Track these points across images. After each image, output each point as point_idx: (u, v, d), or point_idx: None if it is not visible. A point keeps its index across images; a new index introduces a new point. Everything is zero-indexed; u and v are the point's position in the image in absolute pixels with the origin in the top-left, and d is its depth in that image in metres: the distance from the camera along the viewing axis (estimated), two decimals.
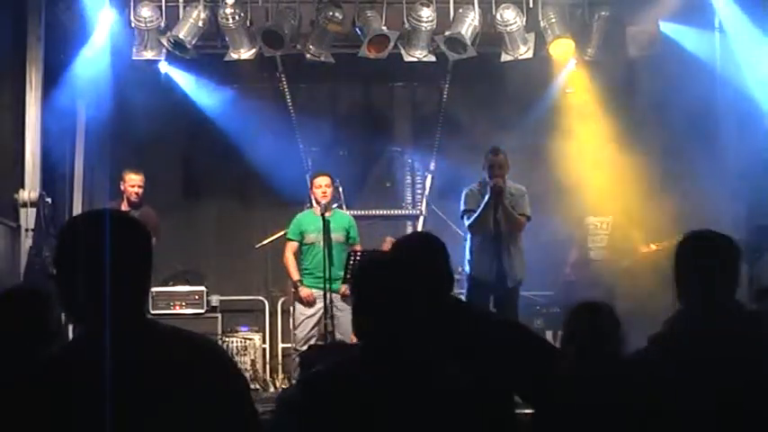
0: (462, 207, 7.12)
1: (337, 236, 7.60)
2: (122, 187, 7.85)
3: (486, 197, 6.85)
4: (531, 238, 7.63)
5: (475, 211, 6.95)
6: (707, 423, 2.66)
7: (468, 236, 7.11)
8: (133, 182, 7.68)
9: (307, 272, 7.69)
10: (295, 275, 7.77)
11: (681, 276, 2.88)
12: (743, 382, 2.65)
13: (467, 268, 7.07)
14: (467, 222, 7.09)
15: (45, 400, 1.97)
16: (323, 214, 7.45)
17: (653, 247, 7.71)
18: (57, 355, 2.12)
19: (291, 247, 7.86)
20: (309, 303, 7.57)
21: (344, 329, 7.49)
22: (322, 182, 7.72)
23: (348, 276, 7.25)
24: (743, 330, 2.75)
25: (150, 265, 2.15)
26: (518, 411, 2.85)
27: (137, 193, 7.67)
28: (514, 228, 6.94)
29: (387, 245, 7.93)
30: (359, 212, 8.42)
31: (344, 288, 7.59)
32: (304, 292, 7.65)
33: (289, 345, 8.67)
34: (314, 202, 7.82)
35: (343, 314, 7.59)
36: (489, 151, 6.94)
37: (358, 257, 7.25)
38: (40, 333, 2.88)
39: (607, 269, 7.71)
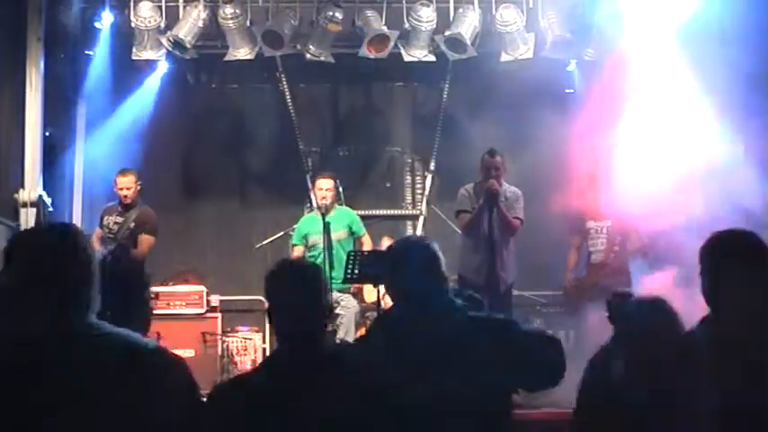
0: (457, 207, 7.13)
1: (338, 234, 7.59)
2: (114, 189, 7.84)
3: (482, 200, 6.85)
4: (530, 238, 7.63)
5: (469, 212, 6.95)
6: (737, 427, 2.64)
7: (462, 236, 7.11)
8: (121, 184, 7.65)
9: None
10: None
11: (710, 279, 2.82)
12: None
13: (459, 268, 7.07)
14: (460, 223, 7.11)
15: None
16: (323, 215, 7.45)
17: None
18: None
19: (297, 251, 7.87)
20: None
21: (347, 328, 7.50)
22: (323, 185, 7.69)
23: (348, 276, 7.24)
24: None
25: (87, 273, 2.25)
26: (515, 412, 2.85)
27: (125, 195, 7.64)
28: (508, 231, 6.93)
29: (384, 245, 7.95)
30: (359, 212, 8.41)
31: (354, 287, 7.62)
32: None
33: None
34: (314, 203, 7.82)
35: (348, 312, 7.59)
36: (486, 153, 6.94)
37: (359, 257, 7.24)
38: None
39: (605, 272, 7.78)
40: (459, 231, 7.39)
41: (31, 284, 2.18)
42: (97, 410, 2.07)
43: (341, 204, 8.18)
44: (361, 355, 2.94)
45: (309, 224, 7.82)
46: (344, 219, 7.79)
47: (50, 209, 8.20)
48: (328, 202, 7.60)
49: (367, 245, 7.75)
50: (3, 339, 2.16)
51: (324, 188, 7.66)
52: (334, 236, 7.45)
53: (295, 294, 2.68)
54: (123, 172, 7.72)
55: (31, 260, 2.21)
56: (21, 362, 2.10)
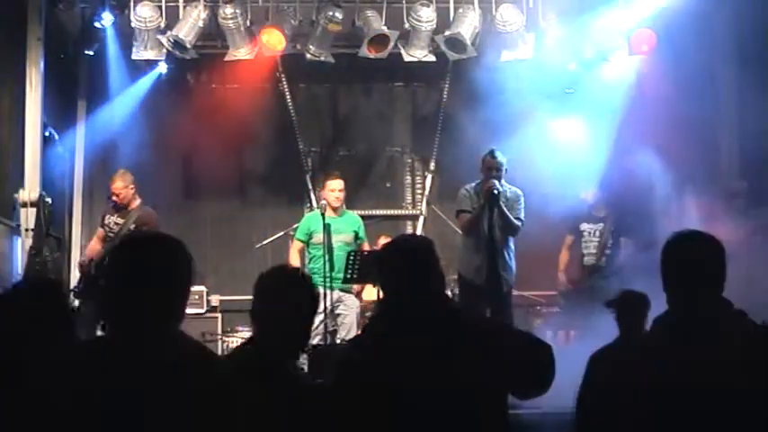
0: (457, 207, 7.12)
1: (346, 237, 7.62)
2: None
3: (482, 200, 6.83)
4: (531, 238, 7.64)
5: (469, 212, 6.94)
6: (688, 424, 2.67)
7: (462, 237, 7.11)
8: (112, 190, 7.73)
9: (314, 272, 7.70)
10: None
11: (667, 276, 2.88)
12: (724, 383, 2.65)
13: (459, 268, 7.08)
14: (460, 223, 7.12)
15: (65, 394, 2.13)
16: (323, 214, 7.46)
17: None
18: (78, 351, 2.31)
19: (296, 246, 7.88)
20: None
21: (348, 329, 7.50)
22: (336, 185, 7.71)
23: (348, 276, 7.27)
24: (728, 330, 2.76)
25: (178, 282, 2.35)
26: (511, 412, 2.86)
27: (116, 201, 7.71)
28: (509, 231, 6.93)
29: (380, 244, 7.96)
30: (359, 212, 8.42)
31: (357, 288, 7.66)
32: None
33: None
34: (314, 202, 7.83)
35: (351, 312, 7.60)
36: (487, 153, 6.93)
37: (359, 258, 7.27)
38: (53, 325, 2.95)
39: (599, 275, 8.01)
40: (459, 231, 7.40)
41: (133, 287, 2.27)
42: (171, 415, 2.14)
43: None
44: (353, 354, 2.95)
45: (316, 222, 7.82)
46: (353, 224, 7.83)
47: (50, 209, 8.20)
48: (340, 203, 7.64)
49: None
50: (99, 339, 2.28)
51: (337, 189, 7.69)
52: (340, 238, 7.49)
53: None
54: (112, 178, 7.78)
55: (136, 263, 2.31)
56: (108, 363, 2.17)
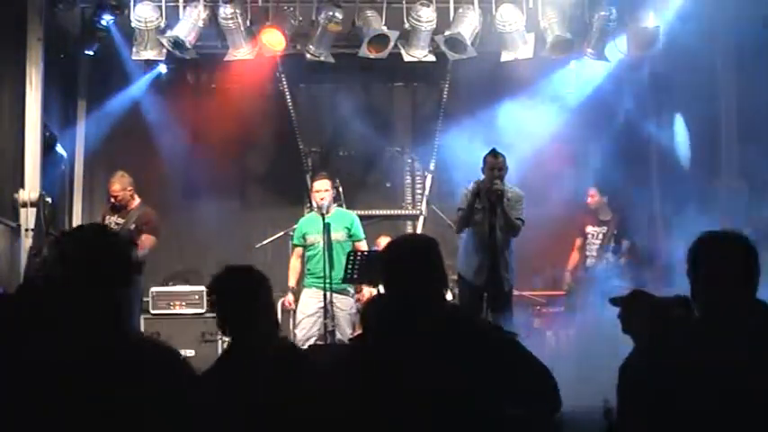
0: (459, 206, 7.12)
1: (337, 234, 7.59)
2: None
3: (488, 201, 6.83)
4: (531, 238, 7.66)
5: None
6: (722, 425, 2.66)
7: (463, 236, 7.10)
8: (109, 193, 7.75)
9: (310, 272, 7.70)
10: (290, 282, 7.80)
11: (698, 278, 2.84)
12: (756, 383, 2.64)
13: (460, 269, 7.08)
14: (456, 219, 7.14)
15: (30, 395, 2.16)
16: (323, 215, 7.45)
17: None
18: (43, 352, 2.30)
19: (296, 252, 7.88)
20: (302, 308, 7.62)
21: (343, 330, 7.50)
22: (320, 186, 7.68)
23: (348, 276, 7.26)
24: (760, 330, 2.73)
25: (124, 276, 2.34)
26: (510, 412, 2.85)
27: (113, 203, 7.74)
28: (511, 232, 6.92)
29: (380, 245, 7.95)
30: (359, 212, 8.41)
31: (361, 295, 7.66)
32: (286, 299, 7.74)
33: None
34: (314, 204, 7.82)
35: (343, 314, 7.60)
36: (488, 153, 6.93)
37: (359, 258, 7.26)
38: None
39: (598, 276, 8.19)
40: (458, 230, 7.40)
41: (90, 286, 2.26)
42: (135, 412, 2.17)
43: (340, 206, 8.18)
44: (353, 354, 2.94)
45: (308, 224, 7.84)
46: (344, 221, 7.79)
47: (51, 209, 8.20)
48: (326, 202, 7.60)
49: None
50: (59, 340, 2.27)
51: (322, 189, 7.66)
52: (332, 236, 7.45)
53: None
54: (110, 181, 7.80)
55: (91, 261, 2.28)
56: (76, 362, 2.19)
